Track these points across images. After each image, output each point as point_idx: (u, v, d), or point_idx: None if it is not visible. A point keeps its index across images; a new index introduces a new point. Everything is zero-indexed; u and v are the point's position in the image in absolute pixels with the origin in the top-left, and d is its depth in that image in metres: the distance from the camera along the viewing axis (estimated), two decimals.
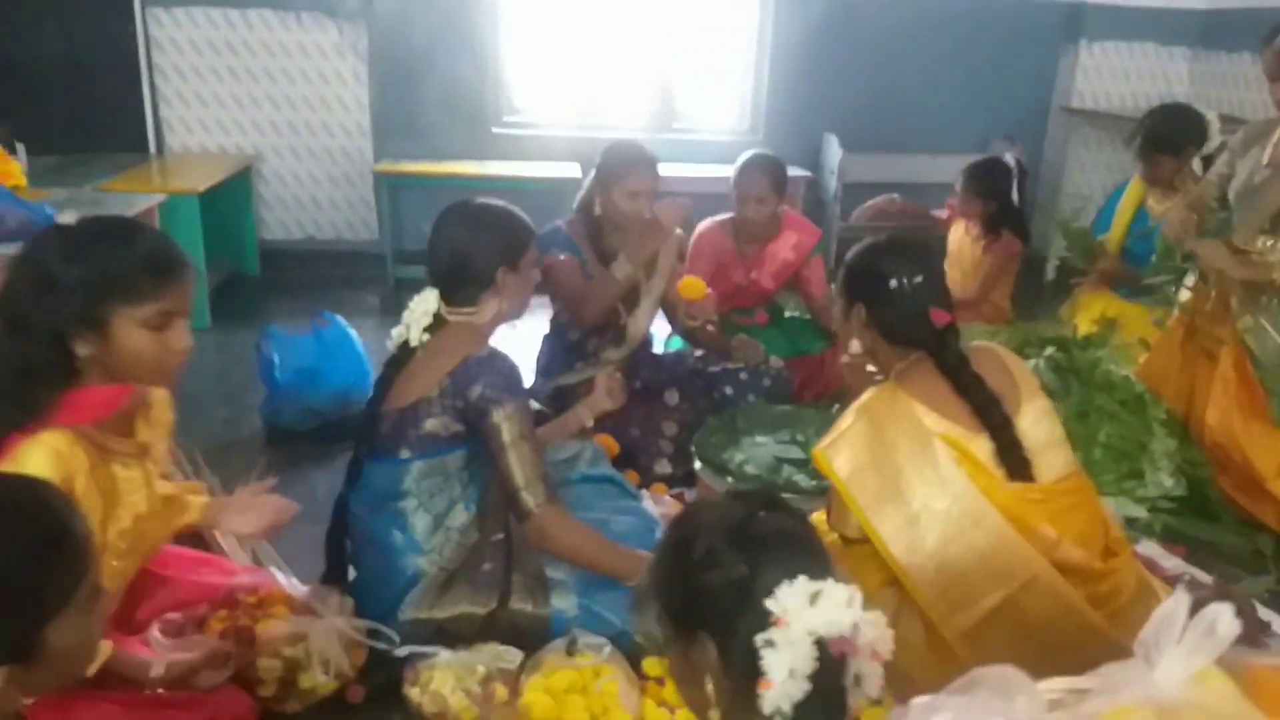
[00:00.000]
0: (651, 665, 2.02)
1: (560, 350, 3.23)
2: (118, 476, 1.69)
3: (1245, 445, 2.80)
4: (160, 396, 1.90)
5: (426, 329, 2.15)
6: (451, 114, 5.25)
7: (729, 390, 3.19)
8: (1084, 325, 3.44)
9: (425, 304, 2.16)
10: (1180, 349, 3.05)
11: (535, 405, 3.19)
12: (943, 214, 4.38)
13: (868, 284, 2.01)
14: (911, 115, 5.62)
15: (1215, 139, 3.44)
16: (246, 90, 5.15)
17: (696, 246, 3.52)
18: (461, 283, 2.13)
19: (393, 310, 4.82)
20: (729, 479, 2.65)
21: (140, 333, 1.63)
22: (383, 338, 4.42)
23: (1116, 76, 5.75)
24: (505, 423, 2.03)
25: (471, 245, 2.13)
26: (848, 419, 1.97)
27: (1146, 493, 2.81)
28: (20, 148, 4.43)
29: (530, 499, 2.03)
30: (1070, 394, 2.95)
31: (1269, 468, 2.76)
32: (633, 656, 2.03)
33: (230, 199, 5.04)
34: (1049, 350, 3.09)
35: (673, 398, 3.14)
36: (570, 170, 5.00)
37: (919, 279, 1.95)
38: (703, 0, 5.56)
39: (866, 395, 1.99)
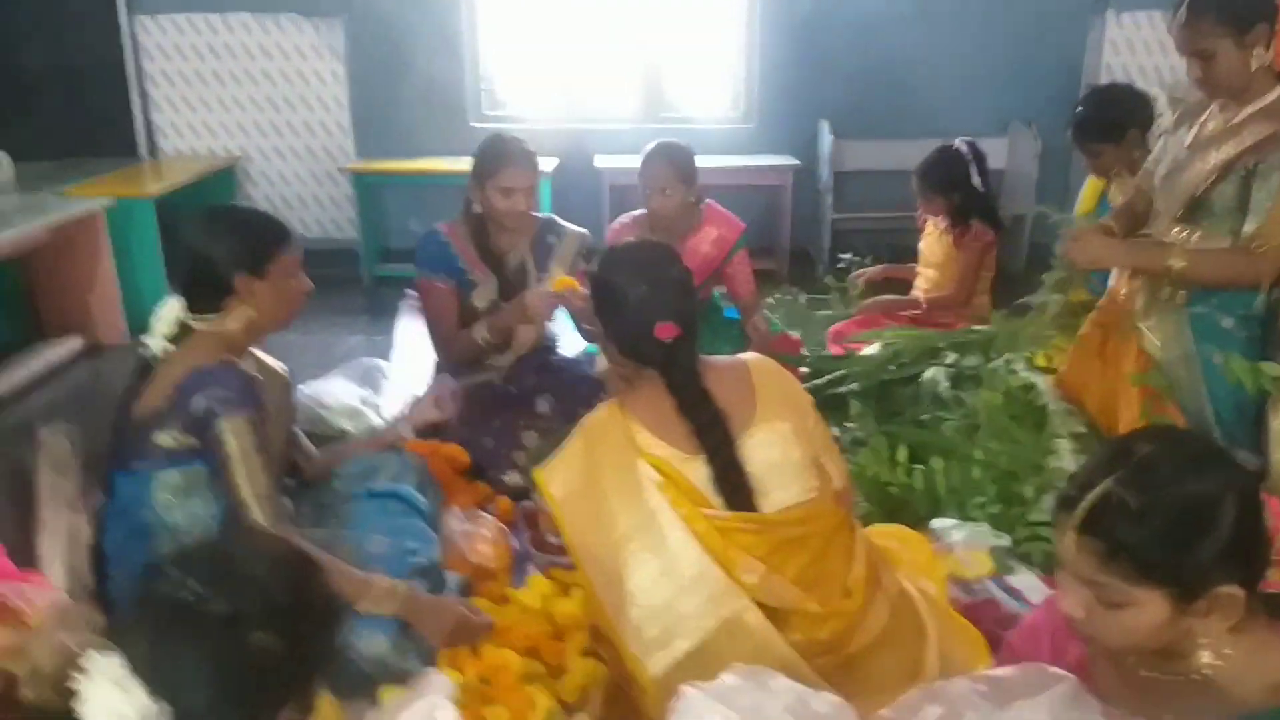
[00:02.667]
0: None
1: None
2: None
3: None
4: None
5: (172, 339, 2.06)
6: (430, 110, 5.20)
7: None
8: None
9: (168, 311, 2.07)
10: (1099, 354, 2.70)
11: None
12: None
13: (599, 296, 1.89)
14: (915, 99, 5.26)
15: (1167, 114, 3.04)
16: (232, 93, 5.22)
17: (611, 243, 3.35)
18: (200, 289, 2.04)
19: (371, 308, 4.82)
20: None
21: None
22: (352, 334, 4.50)
23: (1151, 49, 5.24)
24: (230, 435, 1.92)
25: (208, 249, 2.03)
26: (571, 436, 1.81)
27: (1036, 517, 2.50)
28: (4, 156, 4.60)
29: (254, 516, 1.92)
30: (961, 406, 2.66)
31: None
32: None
33: (215, 200, 5.11)
34: (951, 357, 2.80)
35: (544, 405, 2.98)
36: (552, 164, 4.88)
37: (642, 289, 1.79)
38: None
39: (592, 413, 1.82)
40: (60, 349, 4.05)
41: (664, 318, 1.77)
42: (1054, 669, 1.29)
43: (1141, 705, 1.25)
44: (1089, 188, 3.48)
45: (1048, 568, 2.39)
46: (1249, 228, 2.31)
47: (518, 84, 5.50)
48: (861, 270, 4.15)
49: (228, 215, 2.11)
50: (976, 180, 3.77)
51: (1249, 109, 2.36)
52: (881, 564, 1.79)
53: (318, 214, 5.39)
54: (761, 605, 1.62)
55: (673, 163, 3.23)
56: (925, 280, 4.01)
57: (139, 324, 4.31)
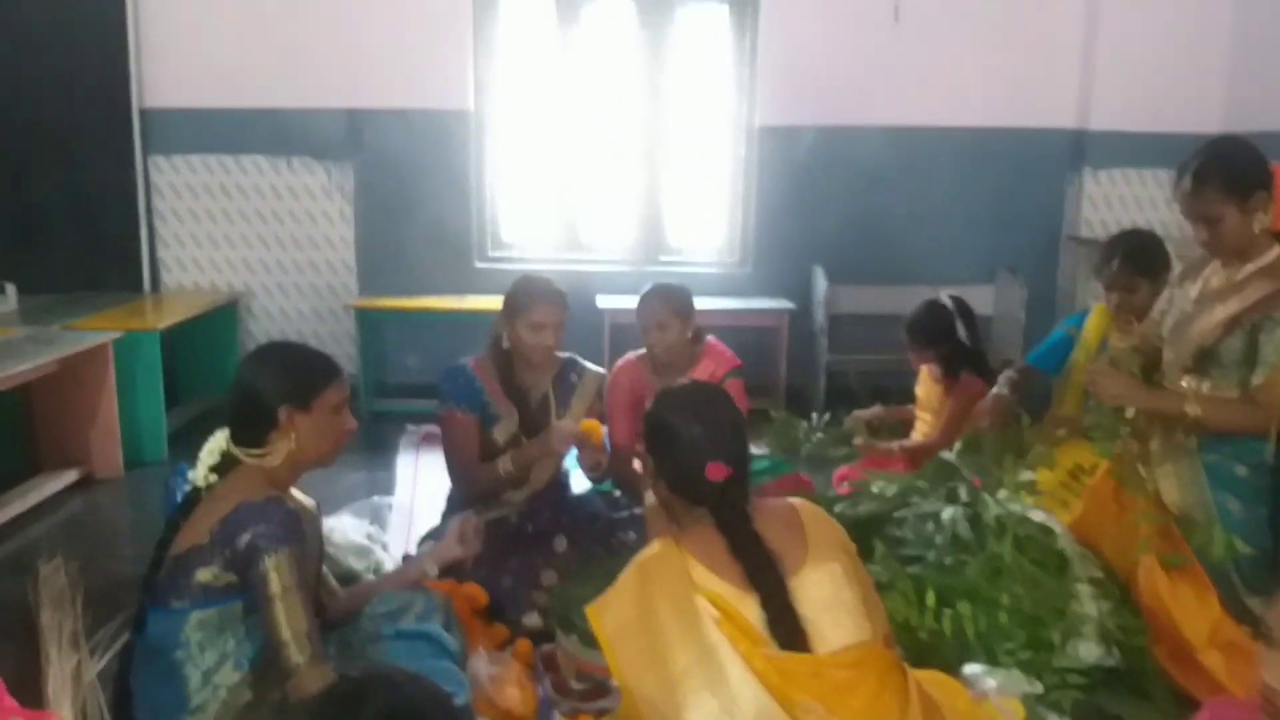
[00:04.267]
0: None
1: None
2: None
3: (1173, 609, 2.46)
4: None
5: (215, 469, 2.07)
6: (435, 249, 5.33)
7: (632, 535, 3.00)
8: (1056, 477, 3.13)
9: (214, 443, 2.08)
10: (1114, 498, 2.75)
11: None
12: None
13: (652, 434, 1.96)
14: (906, 246, 5.46)
15: (1177, 267, 3.18)
16: (239, 231, 5.32)
17: (614, 381, 3.40)
18: (245, 421, 2.05)
19: (371, 443, 4.81)
20: (574, 636, 2.45)
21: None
22: (353, 470, 4.47)
23: (1127, 204, 5.51)
24: (273, 573, 1.90)
25: (255, 383, 2.06)
26: (626, 572, 1.83)
27: (1063, 663, 2.49)
28: (10, 287, 4.64)
29: (294, 655, 1.89)
30: (984, 548, 2.67)
31: (1199, 635, 2.42)
32: None
33: (215, 334, 5.16)
34: (963, 499, 2.82)
35: (561, 544, 2.97)
36: None
37: (696, 430, 1.86)
38: (690, 132, 5.58)
39: (647, 549, 1.84)
40: (57, 481, 3.99)
41: (716, 458, 1.81)
42: None
43: None
44: (1092, 332, 3.56)
45: (1077, 716, 2.38)
46: (1257, 379, 2.41)
47: (521, 225, 5.65)
48: (860, 411, 4.22)
49: (278, 350, 2.16)
50: (963, 333, 3.87)
51: (1250, 266, 2.50)
52: (934, 710, 1.78)
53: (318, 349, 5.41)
54: None
55: (667, 299, 3.34)
56: (924, 424, 4.07)
57: (135, 457, 4.30)
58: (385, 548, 3.29)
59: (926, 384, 4.08)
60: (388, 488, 4.03)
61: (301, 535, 1.99)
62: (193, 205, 5.30)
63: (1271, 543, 2.49)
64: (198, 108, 5.19)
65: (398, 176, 5.28)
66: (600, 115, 5.51)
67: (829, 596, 1.72)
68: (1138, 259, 3.23)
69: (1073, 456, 3.34)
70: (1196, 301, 2.62)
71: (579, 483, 3.44)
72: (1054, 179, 5.55)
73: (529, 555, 2.89)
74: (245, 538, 1.91)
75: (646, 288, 3.40)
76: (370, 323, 5.19)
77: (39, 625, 2.85)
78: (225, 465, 2.08)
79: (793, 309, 5.28)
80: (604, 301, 5.12)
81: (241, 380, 2.08)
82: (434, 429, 4.45)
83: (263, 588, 1.90)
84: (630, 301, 3.56)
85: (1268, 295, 2.42)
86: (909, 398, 4.20)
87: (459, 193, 5.33)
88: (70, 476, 4.06)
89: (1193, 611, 2.45)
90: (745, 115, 5.47)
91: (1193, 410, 2.42)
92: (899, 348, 4.61)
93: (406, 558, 3.14)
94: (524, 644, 2.66)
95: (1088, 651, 2.52)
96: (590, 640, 2.43)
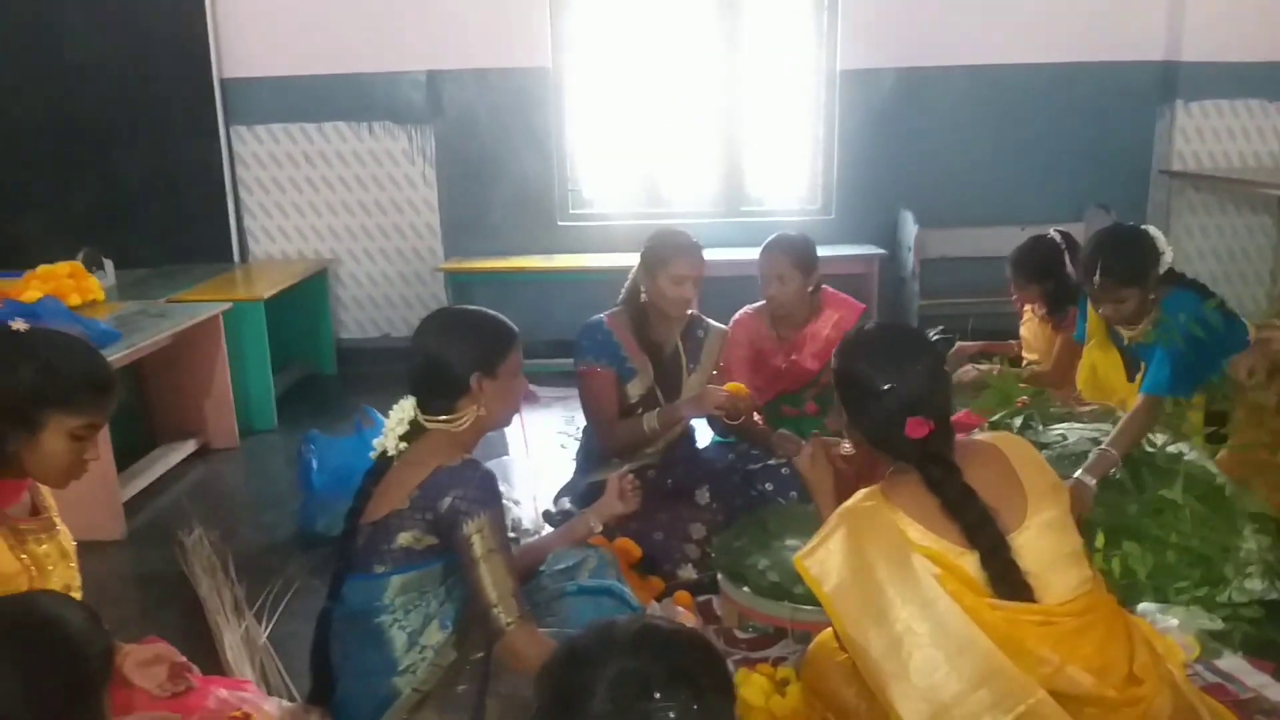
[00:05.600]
0: None
1: (596, 445, 3.14)
2: (35, 553, 1.80)
3: None
4: None
5: (404, 438, 2.08)
6: (518, 210, 5.31)
7: (768, 487, 3.03)
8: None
9: (402, 412, 2.10)
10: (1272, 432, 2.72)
11: (568, 505, 3.11)
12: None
13: (843, 382, 1.85)
14: (994, 187, 5.38)
15: (1168, 251, 3.03)
16: (324, 198, 5.33)
17: (733, 335, 3.39)
18: (436, 390, 2.06)
19: None
20: (745, 588, 2.47)
21: (65, 440, 1.75)
22: None
23: (1220, 136, 5.37)
24: (477, 536, 1.92)
25: (444, 351, 2.06)
26: (830, 524, 1.79)
27: (1231, 599, 2.48)
28: (108, 264, 4.68)
29: (502, 616, 1.91)
30: (1142, 488, 2.65)
31: None
32: None
33: (307, 302, 5.19)
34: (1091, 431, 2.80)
35: (703, 496, 2.99)
36: (635, 260, 4.95)
37: (891, 383, 1.75)
38: (768, 78, 5.51)
39: (853, 499, 1.80)
40: (177, 453, 4.06)
41: (915, 412, 1.73)
42: None
43: None
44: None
45: (1249, 649, 2.38)
46: None
47: (602, 182, 5.62)
48: (964, 344, 4.17)
49: (464, 317, 2.15)
50: (1070, 269, 3.81)
51: None
52: (1155, 652, 1.77)
53: (406, 313, 5.45)
54: (1055, 695, 1.59)
55: (789, 251, 3.32)
56: (1033, 365, 4.04)
57: (245, 427, 4.35)
58: (518, 504, 3.33)
59: (1032, 323, 4.03)
60: (500, 448, 4.06)
61: (499, 496, 2.01)
62: (276, 174, 5.31)
63: None
64: (278, 76, 5.18)
65: (478, 138, 5.25)
66: (678, 67, 5.44)
67: (1051, 549, 1.68)
68: (1119, 271, 2.86)
69: None
70: None
71: (703, 436, 3.46)
72: (1144, 113, 5.43)
73: (676, 509, 2.91)
74: (446, 502, 1.93)
75: (768, 240, 3.37)
76: (459, 285, 5.20)
77: (199, 595, 2.94)
78: (412, 433, 2.09)
79: (883, 254, 5.23)
80: None
81: (428, 349, 2.08)
82: (535, 388, 4.49)
83: (467, 551, 1.92)
84: (713, 254, 3.53)
85: None
86: (1007, 339, 4.16)
87: (540, 151, 5.30)
88: (189, 447, 4.12)
89: None
90: (825, 60, 5.38)
91: None
92: (991, 290, 4.58)
93: (548, 515, 3.18)
94: (683, 596, 2.68)
95: (1254, 586, 2.52)
96: (764, 590, 2.45)
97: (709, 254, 3.12)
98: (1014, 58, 5.31)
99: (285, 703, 2.17)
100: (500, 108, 5.22)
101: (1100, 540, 2.49)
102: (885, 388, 1.76)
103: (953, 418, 3.61)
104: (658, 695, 1.08)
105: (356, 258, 5.43)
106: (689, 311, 3.15)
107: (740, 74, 5.44)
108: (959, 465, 1.74)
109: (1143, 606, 2.39)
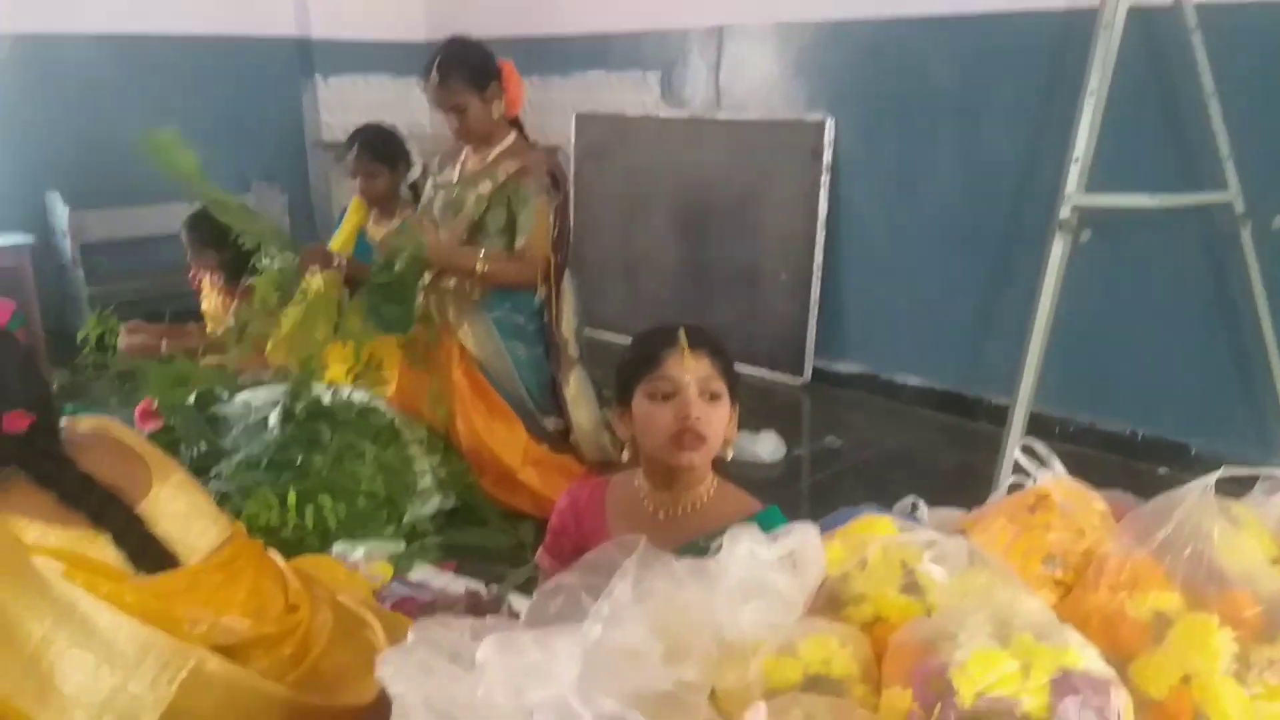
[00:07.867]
0: None
1: None
2: None
3: (492, 444, 2.91)
4: None
5: None
6: None
7: None
8: (339, 374, 3.22)
9: None
10: (424, 362, 3.07)
11: None
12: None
13: None
14: (150, 163, 5.13)
15: (417, 164, 3.56)
16: None
17: None
18: None
19: None
20: None
21: None
22: None
23: (361, 109, 5.82)
24: None
25: None
26: None
27: (416, 518, 2.79)
28: None
29: None
30: (325, 443, 2.81)
31: (515, 460, 2.91)
32: None
33: None
34: (300, 403, 2.91)
35: None
36: None
37: None
38: None
39: None
40: None
41: (11, 407, 1.59)
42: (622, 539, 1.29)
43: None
44: (348, 222, 3.78)
45: (439, 556, 2.71)
46: (519, 243, 2.89)
47: None
48: (125, 339, 3.98)
49: None
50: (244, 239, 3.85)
51: (496, 149, 2.95)
52: (307, 576, 1.89)
53: None
54: (218, 648, 1.59)
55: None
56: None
57: None
58: None
59: (211, 297, 4.00)
60: None
61: None
62: None
63: (550, 374, 3.06)
64: None
65: None
66: None
67: (185, 506, 1.68)
68: (374, 147, 3.58)
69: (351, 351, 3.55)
70: (458, 184, 3.01)
71: None
72: (290, 87, 5.66)
73: None
74: None
75: None
76: None
77: None
78: None
79: (33, 243, 4.66)
80: None
81: None
82: None
83: None
84: None
85: (514, 172, 2.90)
86: (195, 318, 4.07)
87: None
88: None
89: (506, 441, 2.92)
90: None
91: (481, 266, 2.83)
92: (170, 268, 4.41)
93: None
94: None
95: (430, 503, 2.87)
96: None
97: None
98: (148, 28, 5.11)
99: None
100: None
101: (293, 499, 2.58)
102: None
103: (138, 406, 3.46)
104: None
105: None
106: None
107: None
108: (71, 456, 1.65)
109: (335, 547, 2.55)
